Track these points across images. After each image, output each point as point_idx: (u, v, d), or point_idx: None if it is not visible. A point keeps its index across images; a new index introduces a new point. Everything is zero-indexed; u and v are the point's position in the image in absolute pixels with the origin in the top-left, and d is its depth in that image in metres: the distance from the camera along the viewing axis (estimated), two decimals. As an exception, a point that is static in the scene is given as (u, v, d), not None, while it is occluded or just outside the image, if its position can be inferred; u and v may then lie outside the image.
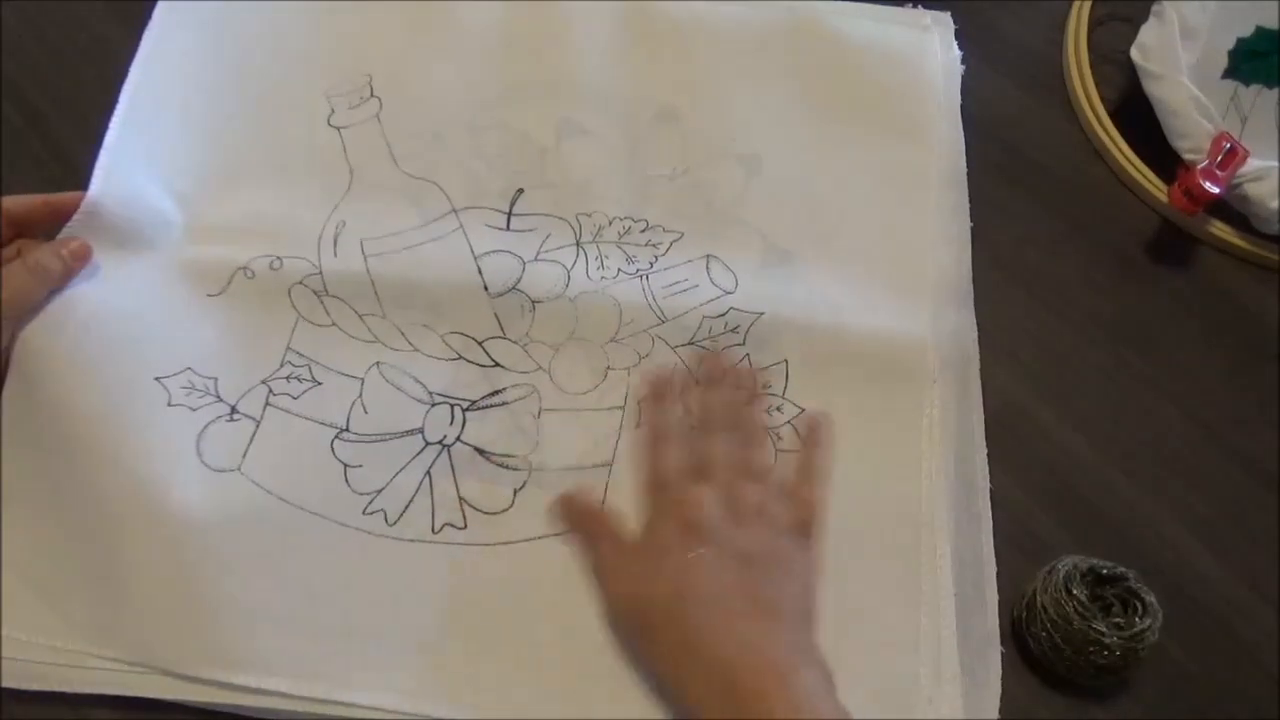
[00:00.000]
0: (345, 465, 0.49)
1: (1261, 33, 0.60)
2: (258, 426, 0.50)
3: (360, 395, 0.51)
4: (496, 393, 0.51)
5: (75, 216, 0.52)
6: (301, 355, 0.52)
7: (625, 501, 0.49)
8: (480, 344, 0.52)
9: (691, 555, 0.43)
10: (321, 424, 0.50)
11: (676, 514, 0.45)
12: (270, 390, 0.51)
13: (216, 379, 0.50)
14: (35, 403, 0.48)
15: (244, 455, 0.49)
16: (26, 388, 0.48)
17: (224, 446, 0.49)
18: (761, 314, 0.53)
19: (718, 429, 0.49)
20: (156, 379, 0.49)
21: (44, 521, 0.47)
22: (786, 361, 0.52)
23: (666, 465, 0.48)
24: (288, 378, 0.51)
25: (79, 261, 0.50)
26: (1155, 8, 0.61)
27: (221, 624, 0.45)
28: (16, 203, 0.50)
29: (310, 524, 0.48)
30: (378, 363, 0.52)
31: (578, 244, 0.55)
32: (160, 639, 0.44)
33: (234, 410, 0.50)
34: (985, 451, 0.51)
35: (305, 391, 0.51)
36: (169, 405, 0.49)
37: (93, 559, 0.46)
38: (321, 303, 0.53)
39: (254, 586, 0.46)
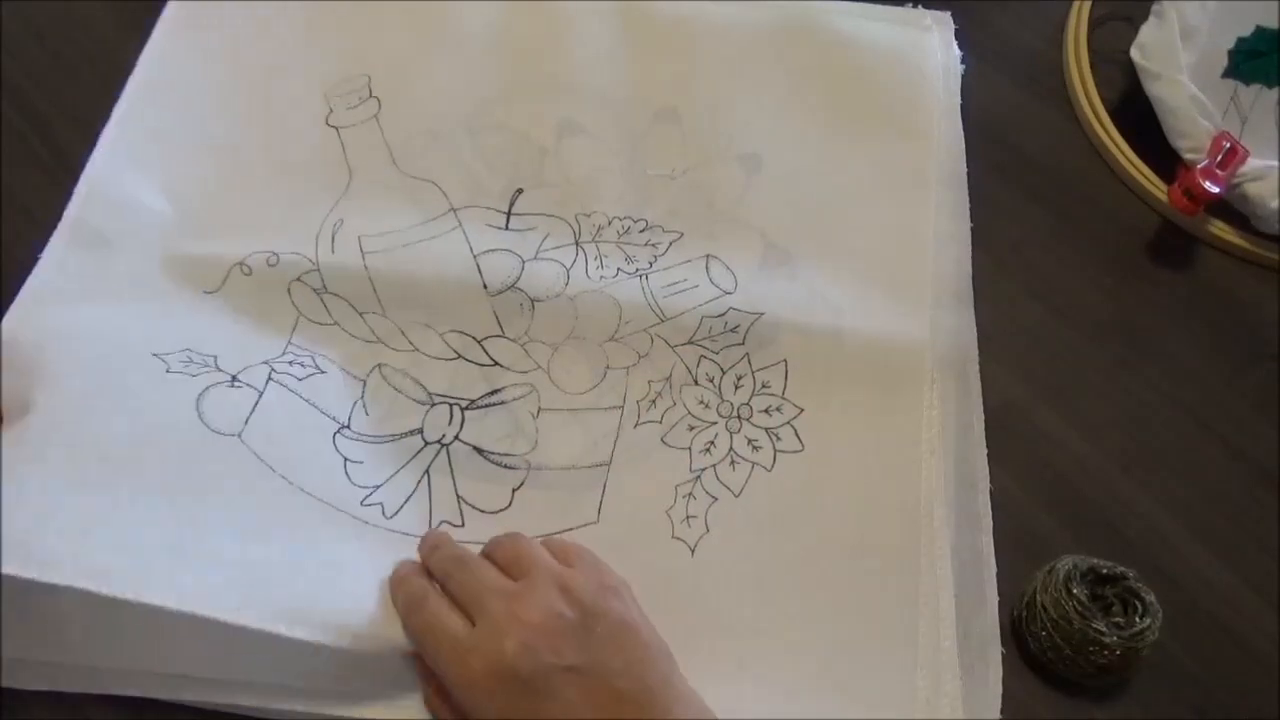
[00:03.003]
0: (345, 459, 0.49)
1: (1261, 32, 0.60)
2: (260, 396, 0.49)
3: (362, 397, 0.51)
4: (495, 392, 0.51)
5: (69, 212, 0.52)
6: (304, 349, 0.52)
7: (623, 502, 0.49)
8: (479, 343, 0.52)
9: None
10: (323, 413, 0.50)
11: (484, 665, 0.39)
12: (272, 369, 0.50)
13: (216, 356, 0.50)
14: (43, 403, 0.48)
15: (245, 423, 0.48)
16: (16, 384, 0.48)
17: (225, 410, 0.48)
18: (761, 314, 0.53)
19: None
20: (154, 354, 0.49)
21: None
22: (786, 361, 0.52)
23: (446, 624, 0.41)
24: (290, 362, 0.51)
25: None
26: (1155, 7, 0.61)
27: (215, 569, 0.43)
28: None
29: (307, 504, 0.47)
30: (379, 365, 0.52)
31: (577, 243, 0.55)
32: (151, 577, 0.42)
33: (234, 379, 0.49)
34: (985, 451, 0.51)
35: (309, 375, 0.51)
36: (167, 373, 0.48)
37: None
38: (322, 300, 0.53)
39: (248, 547, 0.44)
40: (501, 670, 0.39)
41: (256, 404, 0.49)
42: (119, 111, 0.57)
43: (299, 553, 0.45)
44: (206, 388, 0.48)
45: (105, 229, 0.52)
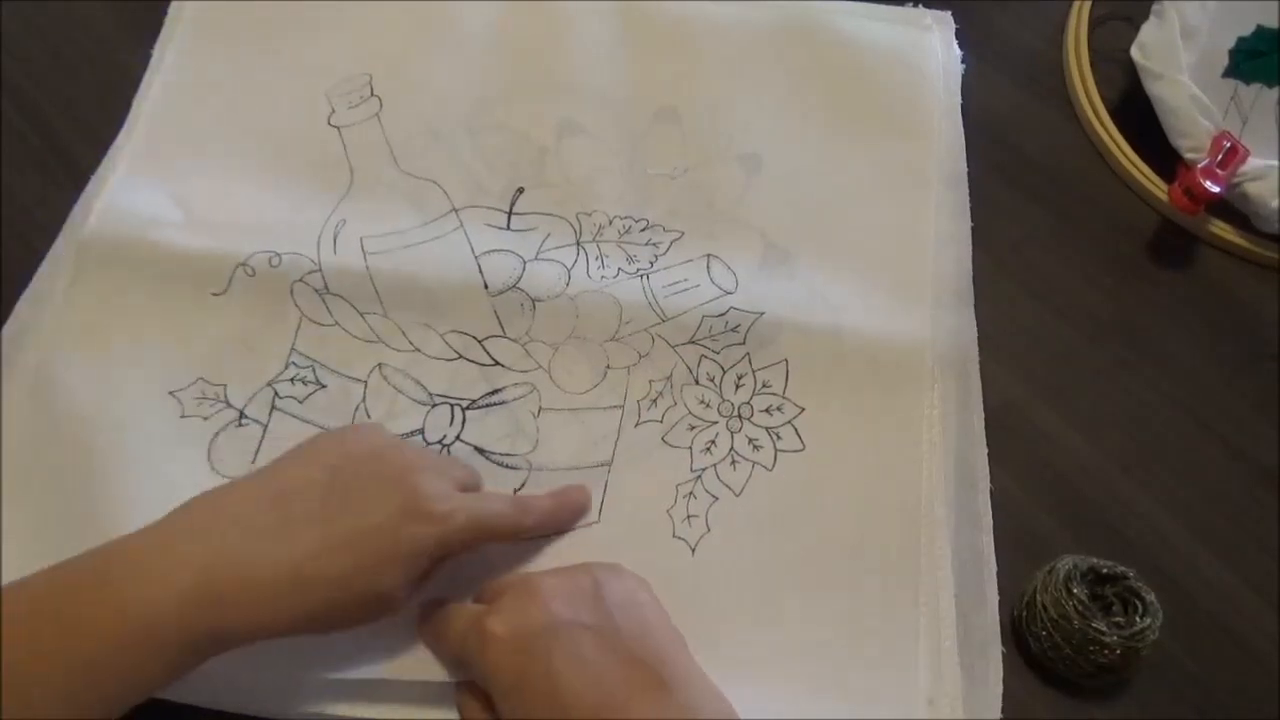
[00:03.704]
0: None
1: (1262, 32, 0.60)
2: (265, 431, 0.50)
3: (363, 400, 0.51)
4: (496, 391, 0.51)
5: (85, 229, 0.53)
6: (306, 356, 0.52)
7: (623, 501, 0.49)
8: (480, 343, 0.52)
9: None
10: (326, 429, 0.50)
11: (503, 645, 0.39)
12: (276, 393, 0.51)
13: (226, 385, 0.51)
14: (51, 424, 0.48)
15: (253, 461, 0.49)
16: (41, 409, 0.48)
17: (233, 453, 0.49)
18: (761, 313, 0.53)
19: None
20: (170, 393, 0.50)
21: (53, 541, 0.46)
22: (786, 361, 0.52)
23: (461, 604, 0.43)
24: (292, 380, 0.51)
25: (539, 521, 0.46)
26: (1155, 7, 0.61)
27: None
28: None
29: None
30: (379, 364, 0.52)
31: (578, 243, 0.55)
32: None
33: (242, 415, 0.50)
34: (985, 451, 0.51)
35: (309, 395, 0.51)
36: (182, 417, 0.49)
37: None
38: (323, 301, 0.53)
39: None
40: (520, 627, 0.39)
41: (262, 440, 0.49)
42: (130, 123, 0.57)
43: None
44: (216, 434, 0.49)
45: (121, 243, 0.53)
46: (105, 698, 0.36)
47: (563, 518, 0.47)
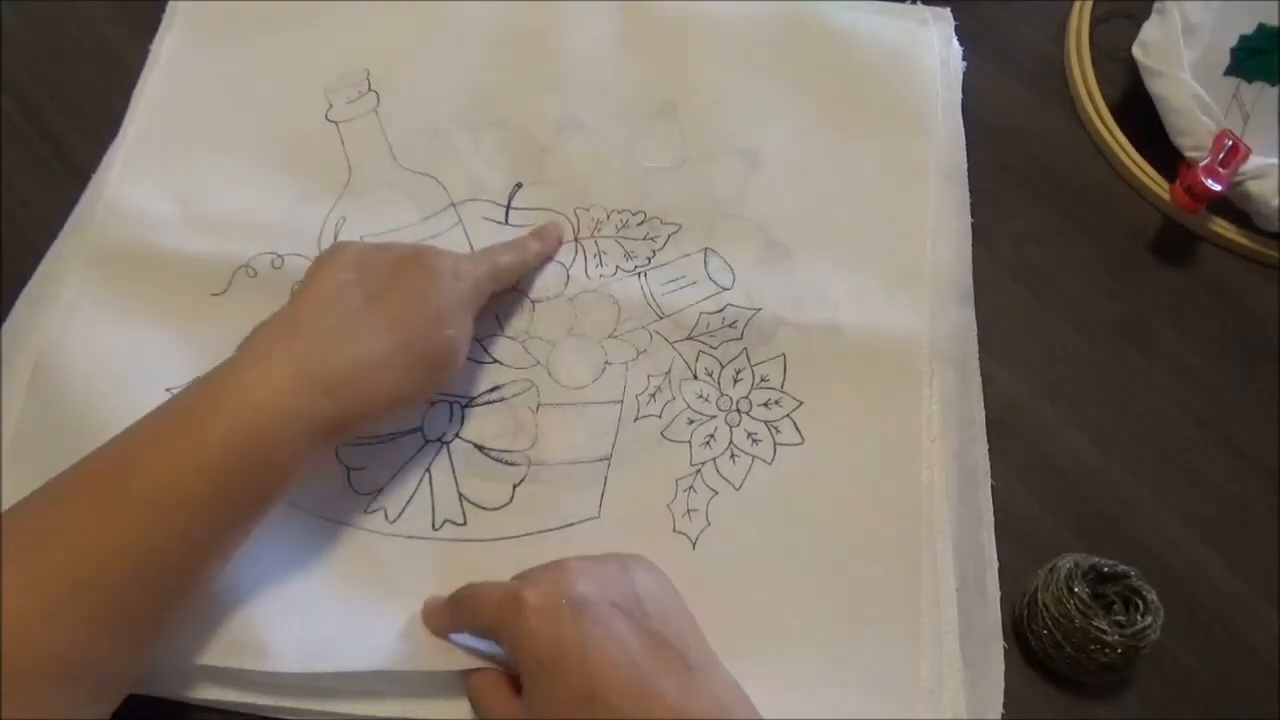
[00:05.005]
0: (349, 468, 0.49)
1: (1264, 30, 0.60)
2: None
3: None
4: (495, 389, 0.51)
5: (87, 221, 0.53)
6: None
7: (623, 496, 0.49)
8: (479, 341, 0.52)
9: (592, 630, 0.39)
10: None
11: (545, 618, 0.40)
12: None
13: None
14: (53, 424, 0.48)
15: None
16: (44, 410, 0.49)
17: None
18: (758, 310, 0.53)
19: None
20: (167, 390, 0.49)
21: None
22: (784, 356, 0.52)
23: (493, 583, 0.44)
24: None
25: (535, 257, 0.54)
26: (1157, 5, 0.61)
27: (228, 618, 0.44)
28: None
29: (311, 525, 0.47)
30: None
31: (576, 239, 0.55)
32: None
33: None
34: (986, 446, 0.51)
35: None
36: None
37: None
38: (323, 300, 0.53)
39: (255, 582, 0.45)
40: (554, 599, 0.40)
41: None
42: (128, 122, 0.57)
43: (313, 580, 0.46)
44: None
45: (122, 245, 0.53)
46: (251, 494, 0.40)
47: (550, 249, 0.54)
